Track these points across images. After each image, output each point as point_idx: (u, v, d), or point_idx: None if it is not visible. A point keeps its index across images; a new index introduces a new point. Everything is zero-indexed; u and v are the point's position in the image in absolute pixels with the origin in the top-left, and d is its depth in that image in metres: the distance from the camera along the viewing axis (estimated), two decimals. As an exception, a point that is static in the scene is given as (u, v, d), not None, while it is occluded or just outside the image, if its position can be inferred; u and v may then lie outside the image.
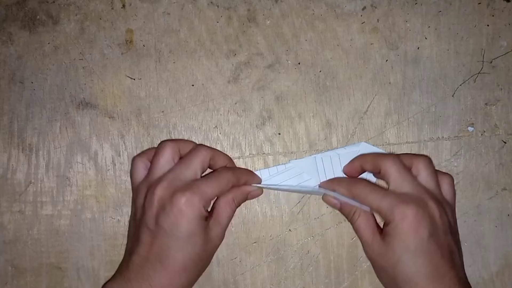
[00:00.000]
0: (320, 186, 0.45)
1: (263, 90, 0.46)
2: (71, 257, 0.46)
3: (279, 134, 0.46)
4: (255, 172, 0.45)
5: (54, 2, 0.47)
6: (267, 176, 0.45)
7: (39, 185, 0.46)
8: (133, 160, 0.44)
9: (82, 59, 0.47)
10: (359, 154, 0.45)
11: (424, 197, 0.40)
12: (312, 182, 0.45)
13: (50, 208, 0.46)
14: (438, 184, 0.41)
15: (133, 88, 0.47)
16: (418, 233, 0.38)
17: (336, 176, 0.45)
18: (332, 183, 0.44)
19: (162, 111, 0.47)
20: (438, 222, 0.39)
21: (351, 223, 0.42)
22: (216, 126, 0.46)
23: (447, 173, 0.43)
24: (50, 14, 0.47)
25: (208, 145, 0.46)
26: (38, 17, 0.47)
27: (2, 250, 0.46)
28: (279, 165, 0.46)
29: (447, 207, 0.41)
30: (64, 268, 0.46)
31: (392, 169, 0.41)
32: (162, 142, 0.43)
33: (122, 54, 0.47)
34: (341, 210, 0.43)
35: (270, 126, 0.46)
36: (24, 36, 0.47)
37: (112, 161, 0.46)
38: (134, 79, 0.47)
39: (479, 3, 0.46)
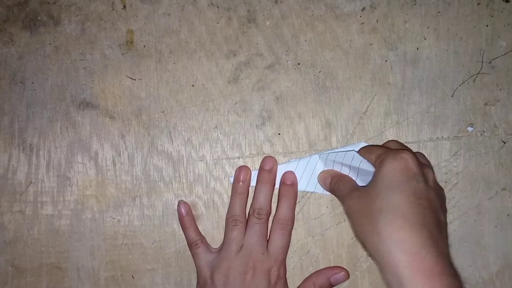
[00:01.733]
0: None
1: (263, 91, 0.47)
2: (71, 257, 0.46)
3: (279, 134, 0.47)
4: (254, 172, 0.45)
5: (55, 3, 0.47)
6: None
7: (40, 185, 0.47)
8: (196, 244, 0.45)
9: (83, 60, 0.47)
10: (356, 154, 0.45)
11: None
12: (312, 182, 0.45)
13: (51, 208, 0.46)
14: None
15: (133, 89, 0.47)
16: (407, 174, 0.36)
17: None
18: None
19: (163, 111, 0.47)
20: (432, 182, 0.38)
21: (334, 193, 0.43)
22: (216, 126, 0.47)
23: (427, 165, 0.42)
24: (51, 15, 0.47)
25: (208, 145, 0.46)
26: (39, 17, 0.47)
27: (3, 250, 0.46)
28: (279, 164, 0.46)
29: (437, 185, 0.40)
30: (64, 268, 0.46)
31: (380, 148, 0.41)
32: (232, 218, 0.45)
33: (122, 54, 0.47)
34: (326, 182, 0.43)
35: (270, 126, 0.47)
36: (25, 37, 0.47)
37: (113, 161, 0.47)
38: (135, 80, 0.47)
39: (478, 4, 0.46)
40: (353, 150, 0.44)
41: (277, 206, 0.45)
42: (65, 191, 0.47)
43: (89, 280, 0.46)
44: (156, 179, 0.46)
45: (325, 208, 0.46)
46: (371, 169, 0.40)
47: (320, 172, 0.45)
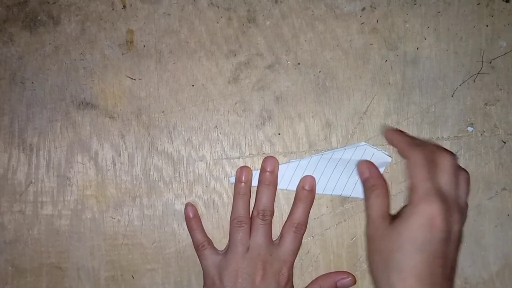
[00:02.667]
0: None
1: (263, 91, 0.47)
2: (71, 257, 0.46)
3: (279, 134, 0.47)
4: (254, 172, 0.46)
5: (55, 3, 0.47)
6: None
7: (40, 185, 0.47)
8: (202, 245, 0.45)
9: (82, 60, 0.47)
10: (358, 154, 0.45)
11: (451, 203, 0.39)
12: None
13: (51, 208, 0.46)
14: (457, 187, 0.41)
15: (133, 89, 0.47)
16: (432, 233, 0.37)
17: (335, 177, 0.45)
18: (393, 134, 0.44)
19: (163, 111, 0.47)
20: (454, 233, 0.39)
21: (367, 198, 0.42)
22: (216, 126, 0.47)
23: (464, 170, 0.42)
24: (51, 14, 0.47)
25: (208, 145, 0.46)
26: (39, 17, 0.47)
27: (3, 250, 0.46)
28: (279, 164, 0.46)
29: (462, 215, 0.40)
30: (64, 268, 0.46)
31: (416, 166, 0.40)
32: (237, 220, 0.45)
33: (122, 54, 0.47)
34: (367, 179, 0.43)
35: (270, 126, 0.47)
36: (25, 37, 0.47)
37: (113, 161, 0.47)
38: (135, 80, 0.47)
39: (478, 4, 0.46)
40: (365, 144, 0.45)
41: (292, 208, 0.45)
42: (65, 191, 0.47)
43: (89, 280, 0.46)
44: (156, 179, 0.46)
45: (325, 208, 0.46)
46: (385, 160, 0.43)
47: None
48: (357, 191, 0.45)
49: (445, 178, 0.39)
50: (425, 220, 0.37)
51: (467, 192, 0.41)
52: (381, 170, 0.45)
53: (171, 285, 0.46)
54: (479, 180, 0.46)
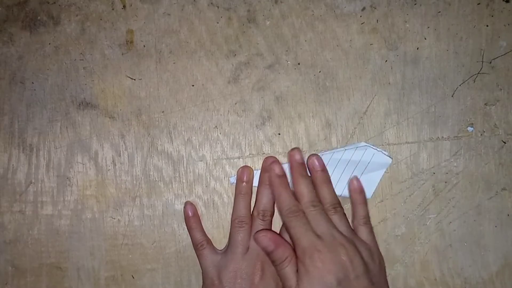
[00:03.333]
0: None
1: (263, 91, 0.47)
2: (71, 257, 0.46)
3: (279, 134, 0.46)
4: (255, 172, 0.46)
5: (55, 3, 0.47)
6: None
7: (40, 185, 0.47)
8: (201, 245, 0.45)
9: (82, 60, 0.47)
10: (358, 155, 0.45)
11: (336, 241, 0.41)
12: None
13: (51, 208, 0.46)
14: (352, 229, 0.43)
15: (133, 88, 0.47)
16: (327, 281, 0.39)
17: (335, 178, 0.45)
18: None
19: (163, 111, 0.47)
20: (349, 267, 0.40)
21: (279, 268, 0.42)
22: (216, 126, 0.47)
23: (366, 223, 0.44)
24: (51, 14, 0.47)
25: (208, 145, 0.46)
26: (39, 17, 0.47)
27: (3, 250, 0.46)
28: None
29: (363, 248, 0.41)
30: (64, 268, 0.46)
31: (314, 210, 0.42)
32: (238, 220, 0.44)
33: (122, 54, 0.47)
34: (272, 252, 0.42)
35: (270, 126, 0.47)
36: (25, 37, 0.47)
37: (113, 161, 0.47)
38: (135, 80, 0.47)
39: (478, 4, 0.46)
40: (366, 145, 0.45)
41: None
42: (65, 191, 0.47)
43: (89, 280, 0.46)
44: (156, 179, 0.46)
45: (325, 208, 0.46)
46: (385, 160, 0.44)
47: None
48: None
49: (319, 228, 0.42)
50: (317, 274, 0.40)
51: (370, 236, 0.44)
52: (382, 171, 0.45)
53: (171, 285, 0.46)
54: (479, 180, 0.46)
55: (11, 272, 0.46)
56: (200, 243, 0.45)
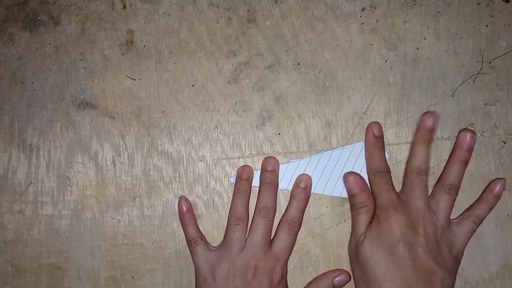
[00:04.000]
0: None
1: (263, 91, 0.47)
2: (71, 257, 0.46)
3: (279, 134, 0.47)
4: (255, 172, 0.46)
5: (55, 3, 0.47)
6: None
7: (40, 185, 0.47)
8: (194, 241, 0.45)
9: (82, 60, 0.47)
10: (356, 152, 0.45)
11: (417, 217, 0.42)
12: (312, 183, 0.46)
13: (51, 208, 0.47)
14: (435, 205, 0.43)
15: (133, 89, 0.47)
16: (394, 236, 0.40)
17: (334, 177, 0.45)
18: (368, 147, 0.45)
19: (163, 111, 0.47)
20: (421, 238, 0.41)
21: (354, 214, 0.44)
22: (216, 126, 0.47)
23: (449, 193, 0.44)
24: (51, 14, 0.47)
25: (208, 145, 0.46)
26: (39, 17, 0.47)
27: (2, 250, 0.46)
28: (280, 164, 0.46)
29: (447, 237, 0.42)
30: (64, 268, 0.46)
31: (408, 176, 0.44)
32: (235, 217, 0.44)
33: (122, 54, 0.47)
34: (355, 195, 0.44)
35: (270, 126, 0.47)
36: (25, 37, 0.47)
37: (113, 161, 0.47)
38: (135, 80, 0.47)
39: (478, 4, 0.46)
40: (364, 142, 0.45)
41: (287, 207, 0.45)
42: (65, 191, 0.47)
43: (89, 280, 0.46)
44: (156, 179, 0.46)
45: (325, 208, 0.46)
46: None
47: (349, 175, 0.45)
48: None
49: (408, 191, 0.43)
50: (387, 226, 0.41)
51: (445, 202, 0.43)
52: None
53: (171, 285, 0.46)
54: (479, 180, 0.46)
55: (11, 272, 0.46)
56: (194, 239, 0.45)
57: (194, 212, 0.46)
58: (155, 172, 0.46)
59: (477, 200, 0.45)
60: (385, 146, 0.46)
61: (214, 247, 0.46)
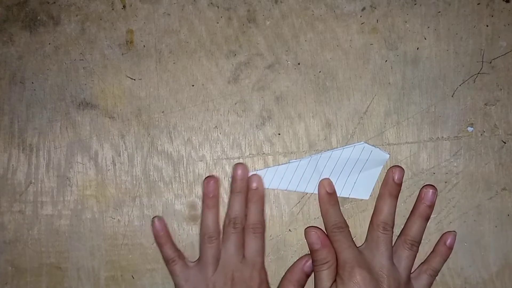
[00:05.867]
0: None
1: (263, 91, 0.47)
2: (71, 257, 0.46)
3: (279, 134, 0.46)
4: (257, 172, 0.46)
5: (54, 2, 0.47)
6: (270, 176, 0.46)
7: (39, 185, 0.47)
8: (173, 260, 0.45)
9: (82, 60, 0.47)
10: (357, 152, 0.45)
11: (382, 274, 0.42)
12: (312, 182, 0.46)
13: (50, 208, 0.46)
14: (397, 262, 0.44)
15: (133, 89, 0.47)
16: None
17: (334, 178, 0.45)
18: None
19: (162, 111, 0.47)
20: None
21: (316, 270, 0.43)
22: (216, 126, 0.47)
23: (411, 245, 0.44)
24: (51, 14, 0.47)
25: (208, 145, 0.46)
26: (38, 17, 0.47)
27: (2, 250, 0.46)
28: (279, 165, 0.46)
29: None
30: (64, 268, 0.46)
31: (372, 231, 0.44)
32: (207, 236, 0.44)
33: (122, 54, 0.47)
34: (317, 251, 0.43)
35: (270, 126, 0.47)
36: (25, 37, 0.47)
37: (112, 161, 0.47)
38: (135, 80, 0.47)
39: (478, 4, 0.46)
40: (364, 142, 0.45)
41: (247, 211, 0.45)
42: (65, 191, 0.47)
43: (89, 280, 0.46)
44: (156, 179, 0.46)
45: (325, 208, 0.46)
46: (383, 157, 0.44)
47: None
48: (356, 192, 0.45)
49: (372, 247, 0.43)
50: (351, 287, 0.41)
51: (407, 257, 0.44)
52: (379, 168, 0.45)
53: (171, 285, 0.46)
54: (479, 180, 0.46)
55: (11, 272, 0.46)
56: (172, 259, 0.45)
57: (194, 212, 0.46)
58: (155, 172, 0.46)
59: (431, 253, 0.45)
60: (386, 146, 0.46)
61: (192, 262, 0.46)
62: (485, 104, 0.46)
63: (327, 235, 0.44)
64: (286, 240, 0.46)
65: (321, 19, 0.46)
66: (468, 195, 0.46)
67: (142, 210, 0.46)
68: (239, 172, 0.45)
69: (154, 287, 0.46)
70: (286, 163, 0.46)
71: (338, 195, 0.45)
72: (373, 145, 0.46)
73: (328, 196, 0.45)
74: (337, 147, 0.46)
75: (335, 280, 0.42)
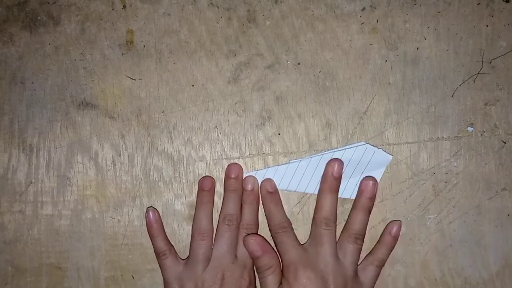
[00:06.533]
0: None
1: (263, 91, 0.47)
2: (71, 257, 0.46)
3: (279, 134, 0.46)
4: (257, 172, 0.46)
5: (55, 3, 0.47)
6: (270, 176, 0.46)
7: (40, 185, 0.47)
8: (163, 253, 0.44)
9: (82, 60, 0.47)
10: (359, 154, 0.45)
11: (327, 271, 0.41)
12: (313, 183, 0.46)
13: (51, 208, 0.46)
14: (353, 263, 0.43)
15: (133, 89, 0.47)
16: None
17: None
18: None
19: (163, 111, 0.47)
20: None
21: (261, 276, 0.43)
22: (216, 126, 0.47)
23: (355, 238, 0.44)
24: (51, 15, 0.47)
25: (208, 145, 0.46)
26: (39, 17, 0.47)
27: (2, 250, 0.46)
28: (279, 165, 0.46)
29: (353, 286, 0.42)
30: (64, 268, 0.46)
31: (314, 228, 0.44)
32: (199, 232, 0.44)
33: (122, 54, 0.47)
34: (258, 258, 0.43)
35: (270, 126, 0.47)
36: (25, 37, 0.47)
37: (113, 161, 0.47)
38: (135, 80, 0.47)
39: (478, 4, 0.46)
40: (365, 143, 0.45)
41: (241, 212, 0.45)
42: (65, 191, 0.47)
43: (89, 280, 0.46)
44: (156, 179, 0.46)
45: (325, 208, 0.46)
46: (386, 158, 0.44)
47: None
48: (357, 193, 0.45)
49: (315, 244, 0.43)
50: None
51: (351, 252, 0.43)
52: (382, 170, 0.45)
53: (171, 285, 0.46)
54: (479, 180, 0.46)
55: (11, 272, 0.46)
56: (163, 252, 0.45)
57: (194, 213, 0.46)
58: (155, 172, 0.46)
59: (376, 243, 0.45)
60: (386, 146, 0.46)
61: (183, 259, 0.45)
62: (485, 104, 0.46)
63: (266, 240, 0.44)
64: (286, 240, 0.46)
65: (321, 19, 0.46)
66: (468, 195, 0.46)
67: (142, 210, 0.46)
68: (233, 170, 0.45)
69: (154, 287, 0.46)
70: (286, 163, 0.46)
71: (340, 196, 0.45)
72: (375, 146, 0.45)
73: (270, 195, 0.45)
74: (337, 147, 0.46)
75: (281, 283, 0.42)
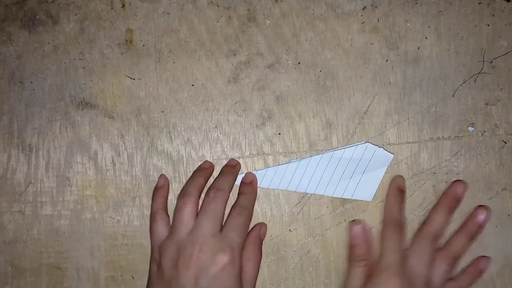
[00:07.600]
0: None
1: (263, 90, 0.46)
2: (71, 257, 0.46)
3: (279, 134, 0.46)
4: (255, 172, 0.46)
5: (53, 1, 0.47)
6: (270, 176, 0.46)
7: (39, 185, 0.46)
8: (154, 218, 0.43)
9: (81, 59, 0.47)
10: (359, 153, 0.45)
11: (414, 281, 0.40)
12: (313, 183, 0.45)
13: (50, 208, 0.46)
14: (431, 267, 0.42)
15: (133, 88, 0.46)
16: None
17: (335, 179, 0.45)
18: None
19: (162, 111, 0.46)
20: None
21: (350, 266, 0.43)
22: (216, 126, 0.46)
23: (446, 250, 0.43)
24: (50, 14, 0.47)
25: (208, 145, 0.46)
26: (37, 17, 0.47)
27: (2, 250, 0.46)
28: (279, 165, 0.46)
29: None
30: (64, 268, 0.46)
31: (421, 239, 0.43)
32: (183, 196, 0.43)
33: (122, 54, 0.47)
34: (356, 246, 0.43)
35: (270, 126, 0.46)
36: (24, 36, 0.47)
37: (112, 161, 0.46)
38: (134, 79, 0.47)
39: (479, 3, 0.46)
40: (367, 142, 0.45)
41: (236, 200, 0.45)
42: (65, 191, 0.46)
43: (89, 280, 0.46)
44: (156, 179, 0.46)
45: (326, 208, 0.46)
46: (387, 157, 0.44)
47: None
48: (359, 193, 0.45)
49: (416, 256, 0.41)
50: None
51: (444, 272, 0.42)
52: (383, 169, 0.45)
53: (171, 285, 0.46)
54: (480, 180, 0.46)
55: (10, 272, 0.46)
56: (153, 214, 0.44)
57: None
58: (155, 172, 0.46)
59: (460, 272, 0.45)
60: (386, 146, 0.46)
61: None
62: (486, 104, 0.46)
63: (370, 233, 0.43)
64: (286, 240, 0.46)
65: (321, 18, 0.46)
66: (468, 195, 0.46)
67: (142, 210, 0.46)
68: (234, 161, 0.46)
69: (154, 287, 0.46)
70: (286, 163, 0.46)
71: (340, 196, 0.45)
72: (376, 145, 0.45)
73: (401, 194, 0.44)
74: (337, 147, 0.46)
75: (367, 277, 0.41)
